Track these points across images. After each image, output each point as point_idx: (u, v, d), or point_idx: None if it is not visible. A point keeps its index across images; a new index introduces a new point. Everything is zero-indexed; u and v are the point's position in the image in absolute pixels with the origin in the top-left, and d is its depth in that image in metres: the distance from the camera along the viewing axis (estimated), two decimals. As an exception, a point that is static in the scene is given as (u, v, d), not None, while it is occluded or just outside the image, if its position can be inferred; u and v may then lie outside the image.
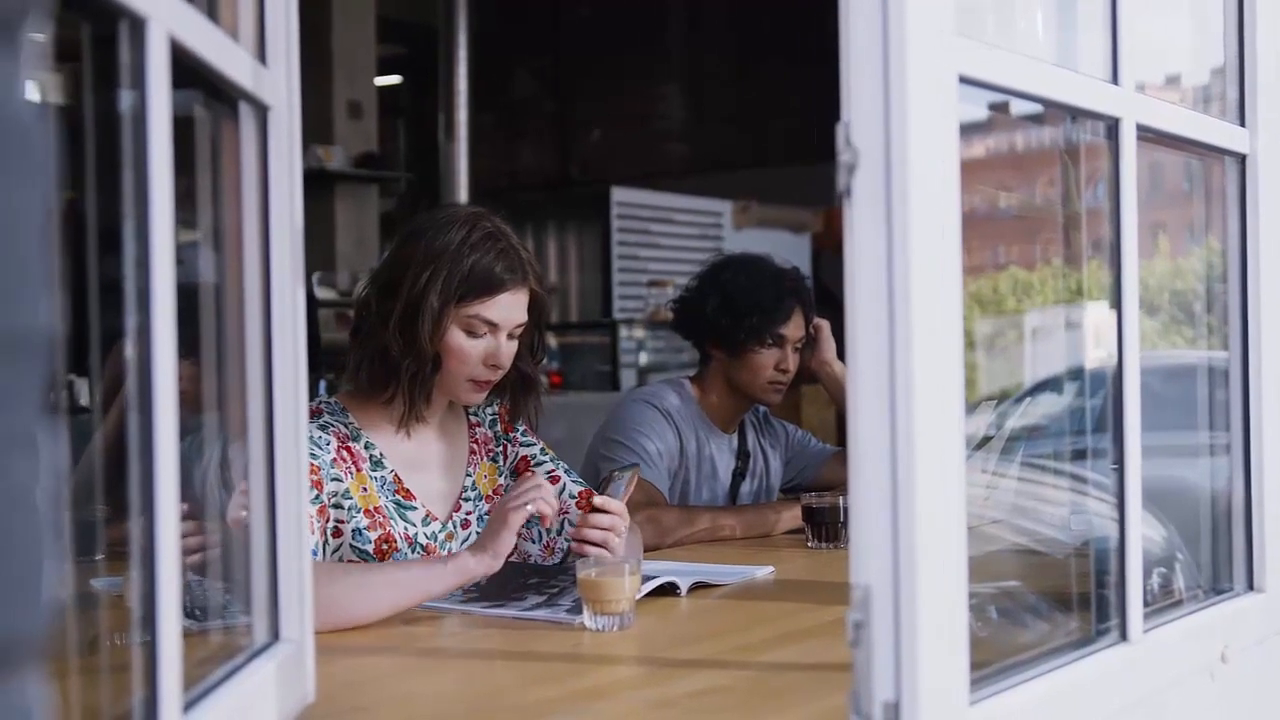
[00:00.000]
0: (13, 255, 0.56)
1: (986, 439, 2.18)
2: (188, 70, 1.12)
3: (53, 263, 0.60)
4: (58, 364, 0.62)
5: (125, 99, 1.02)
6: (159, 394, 1.02)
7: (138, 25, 1.00)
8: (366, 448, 2.22)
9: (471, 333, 2.19)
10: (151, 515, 1.02)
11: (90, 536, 1.47)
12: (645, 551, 2.61)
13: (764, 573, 2.35)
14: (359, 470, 2.19)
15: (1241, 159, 1.82)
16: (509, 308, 2.20)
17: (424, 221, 2.24)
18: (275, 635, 1.38)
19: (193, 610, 1.35)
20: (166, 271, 1.03)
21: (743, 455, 3.15)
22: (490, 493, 2.36)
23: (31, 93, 0.59)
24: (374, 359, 2.20)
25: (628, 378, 7.37)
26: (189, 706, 1.11)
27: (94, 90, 1.05)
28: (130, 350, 1.02)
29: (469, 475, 2.35)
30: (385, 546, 2.17)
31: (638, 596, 1.93)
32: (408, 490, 2.24)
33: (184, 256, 1.10)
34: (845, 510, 2.65)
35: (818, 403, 6.73)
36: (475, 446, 2.38)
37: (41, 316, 0.58)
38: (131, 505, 1.04)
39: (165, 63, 1.03)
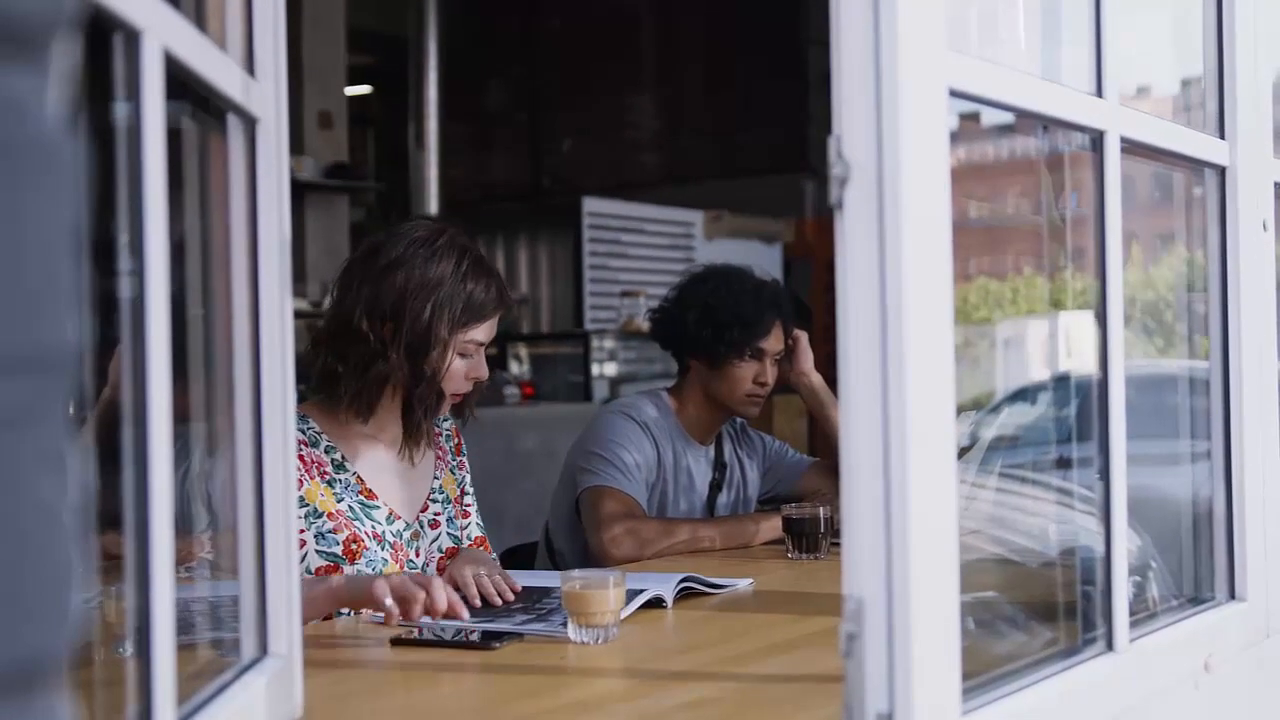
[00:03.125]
0: (41, 271, 0.56)
1: (963, 450, 2.19)
2: (176, 81, 1.11)
3: (80, 279, 0.59)
4: (83, 380, 0.62)
5: (119, 110, 1.02)
6: (153, 406, 1.01)
7: (132, 37, 0.99)
8: (327, 452, 2.28)
9: (463, 355, 2.29)
10: (145, 530, 1.01)
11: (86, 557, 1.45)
12: (625, 564, 2.61)
13: (745, 584, 2.35)
14: (313, 478, 2.24)
15: (1221, 170, 1.83)
16: (494, 326, 2.34)
17: (403, 249, 2.27)
18: (264, 650, 1.37)
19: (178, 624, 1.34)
20: (160, 283, 1.02)
21: (720, 467, 3.15)
22: (452, 498, 2.45)
23: (60, 110, 0.59)
24: (375, 386, 2.25)
25: (600, 388, 7.35)
26: (181, 723, 1.10)
27: (86, 102, 1.04)
28: (125, 362, 1.01)
29: (436, 478, 2.43)
30: (354, 546, 2.23)
31: (627, 613, 1.92)
32: (370, 490, 2.30)
33: (171, 268, 1.10)
34: (825, 521, 2.66)
35: (789, 413, 6.75)
36: (440, 452, 2.46)
37: (69, 333, 0.58)
38: (124, 519, 1.03)
39: (160, 75, 1.02)
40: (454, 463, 2.49)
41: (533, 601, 2.13)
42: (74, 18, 0.60)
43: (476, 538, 2.46)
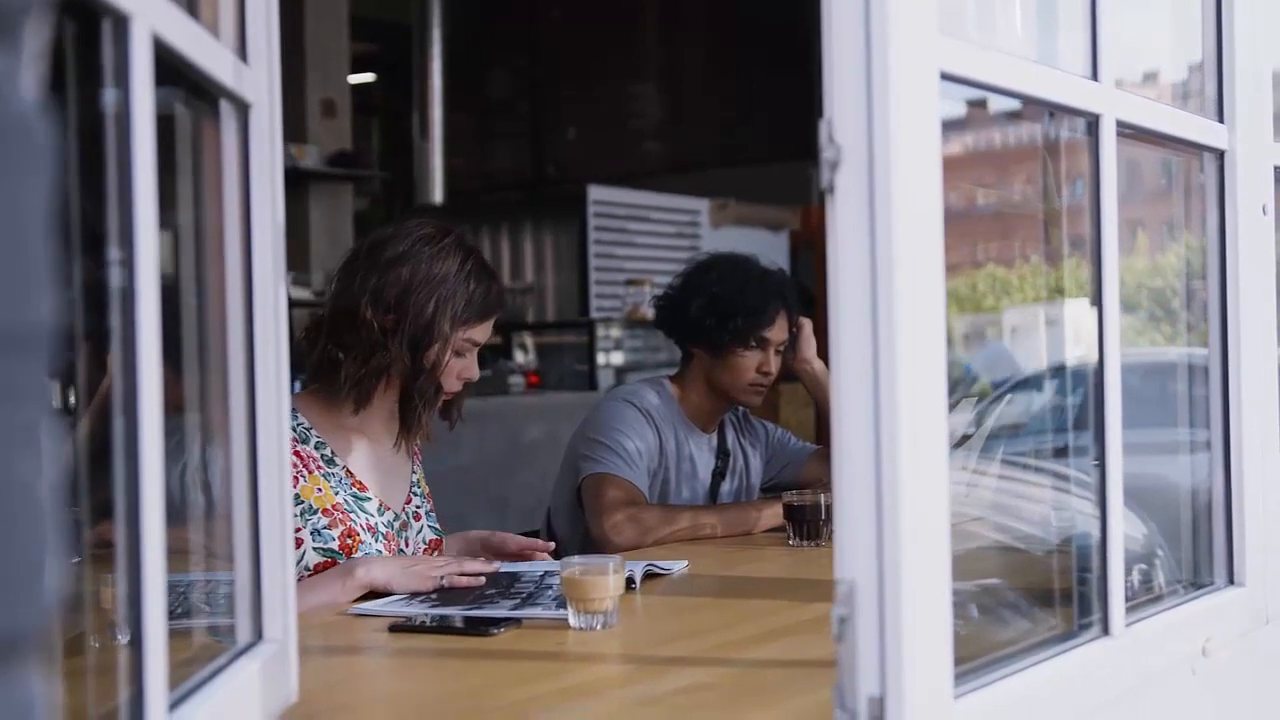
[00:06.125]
0: (17, 251, 0.56)
1: (966, 437, 2.19)
2: (168, 68, 1.11)
3: (55, 259, 0.60)
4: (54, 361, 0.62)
5: (108, 96, 1.02)
6: (143, 395, 1.01)
7: (121, 23, 0.99)
8: (317, 447, 2.31)
9: (459, 353, 2.33)
10: (136, 516, 1.01)
11: (68, 538, 1.46)
12: (626, 550, 2.62)
13: (679, 567, 2.37)
14: (311, 472, 2.26)
15: (1220, 154, 1.83)
16: (490, 328, 2.38)
17: (409, 245, 2.30)
18: (259, 635, 1.37)
19: (172, 609, 1.34)
20: (150, 272, 1.02)
21: (723, 454, 3.15)
22: (426, 494, 2.50)
23: (32, 90, 0.59)
24: (374, 376, 2.28)
25: (605, 377, 7.35)
26: (174, 706, 1.10)
27: (75, 88, 1.04)
28: (114, 352, 1.02)
29: (414, 473, 2.47)
30: (349, 541, 2.26)
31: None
32: (361, 482, 2.33)
33: (162, 257, 1.10)
34: (826, 508, 2.66)
35: (795, 401, 6.75)
36: (416, 450, 2.50)
37: (45, 313, 0.58)
38: (116, 506, 1.03)
39: (149, 60, 1.02)
40: (421, 461, 2.54)
41: (506, 587, 2.14)
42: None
43: (431, 540, 2.47)
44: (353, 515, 2.27)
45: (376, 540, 2.28)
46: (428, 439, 2.47)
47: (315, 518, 2.23)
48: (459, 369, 2.33)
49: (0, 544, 0.55)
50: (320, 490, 2.26)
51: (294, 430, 2.27)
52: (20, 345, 0.56)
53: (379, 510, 2.33)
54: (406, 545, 2.37)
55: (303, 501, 2.22)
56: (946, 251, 1.25)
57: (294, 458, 2.23)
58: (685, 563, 2.41)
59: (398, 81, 9.27)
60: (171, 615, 1.13)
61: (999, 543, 1.92)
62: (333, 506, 2.25)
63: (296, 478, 2.21)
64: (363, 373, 2.27)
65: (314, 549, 2.22)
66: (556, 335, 7.84)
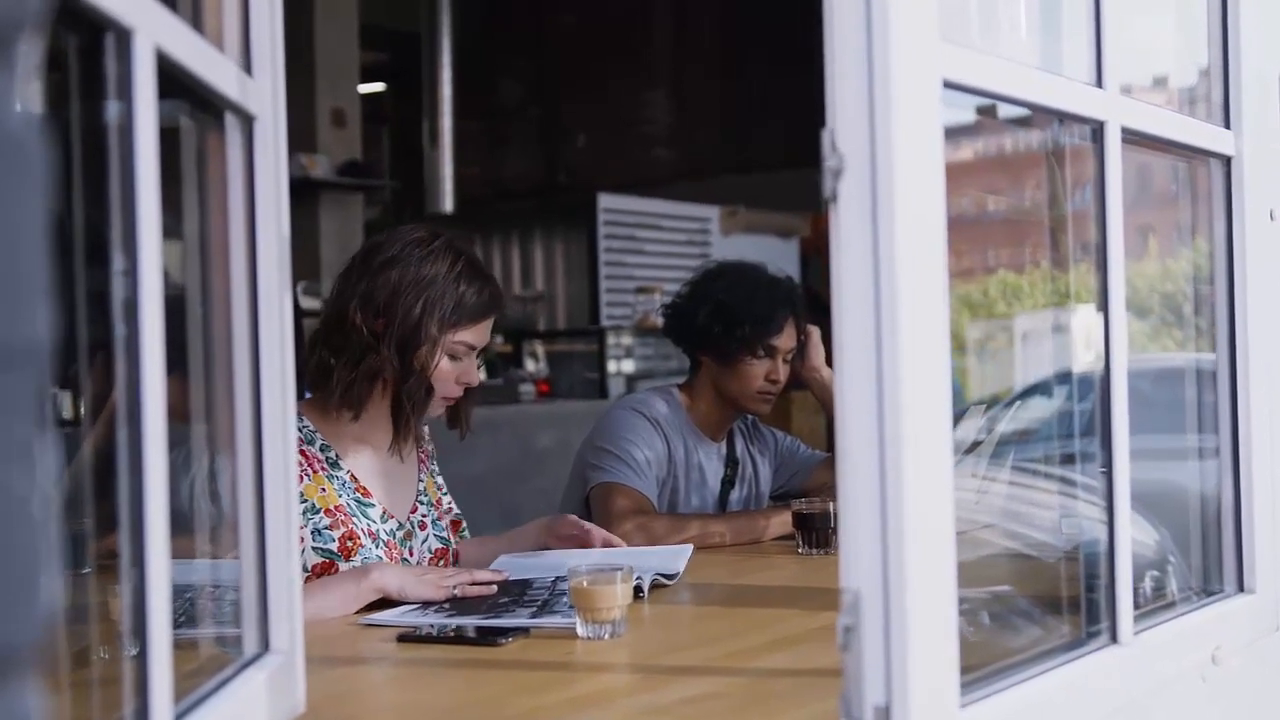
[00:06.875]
0: (11, 266, 0.56)
1: (976, 443, 2.18)
2: (173, 80, 1.12)
3: (50, 274, 0.60)
4: (51, 376, 0.62)
5: (111, 109, 1.02)
6: (147, 406, 1.01)
7: (124, 36, 1.00)
8: (322, 450, 2.31)
9: (453, 356, 2.32)
10: (141, 527, 1.01)
11: (77, 549, 1.46)
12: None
13: (685, 552, 2.41)
14: (315, 473, 2.28)
15: (1227, 161, 1.82)
16: (487, 331, 2.37)
17: (399, 249, 2.31)
18: (265, 646, 1.38)
19: (179, 620, 1.35)
20: (154, 283, 1.03)
21: (731, 463, 3.15)
22: (434, 501, 2.49)
23: (27, 105, 0.59)
24: (365, 380, 2.28)
25: (615, 385, 7.35)
26: (179, 717, 1.10)
27: (79, 101, 1.05)
28: (118, 363, 1.02)
29: (420, 481, 2.47)
30: (350, 544, 2.26)
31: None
32: (365, 488, 2.33)
33: (168, 268, 1.10)
34: (835, 516, 2.65)
35: (807, 409, 6.74)
36: (423, 457, 2.50)
37: (39, 327, 0.58)
38: (121, 518, 1.03)
39: (151, 74, 1.03)
40: (433, 467, 2.54)
41: (519, 595, 2.13)
42: (40, 16, 0.60)
43: (436, 550, 2.46)
44: (354, 519, 2.28)
45: (377, 546, 2.28)
46: (418, 440, 2.47)
47: (317, 517, 2.24)
48: (456, 373, 2.33)
49: (-4, 559, 0.55)
50: (324, 490, 2.26)
51: (300, 432, 2.27)
52: (14, 360, 0.56)
53: (382, 517, 2.33)
54: (411, 554, 2.37)
55: (305, 500, 2.22)
56: (958, 257, 1.25)
57: (299, 457, 2.23)
58: (690, 547, 2.42)
59: (407, 90, 9.28)
60: (176, 624, 1.13)
61: (1009, 550, 1.92)
62: (335, 508, 2.26)
63: (300, 476, 2.22)
64: (353, 377, 2.27)
65: (313, 548, 2.22)
66: (567, 343, 7.84)
